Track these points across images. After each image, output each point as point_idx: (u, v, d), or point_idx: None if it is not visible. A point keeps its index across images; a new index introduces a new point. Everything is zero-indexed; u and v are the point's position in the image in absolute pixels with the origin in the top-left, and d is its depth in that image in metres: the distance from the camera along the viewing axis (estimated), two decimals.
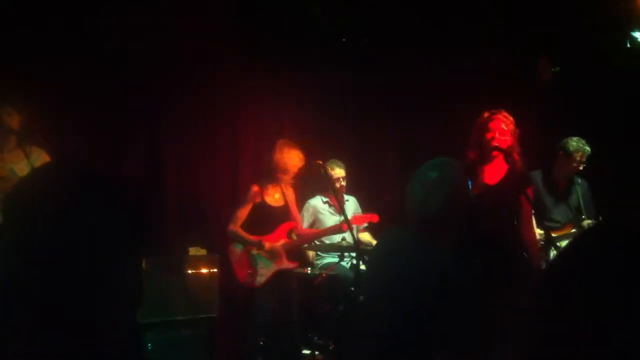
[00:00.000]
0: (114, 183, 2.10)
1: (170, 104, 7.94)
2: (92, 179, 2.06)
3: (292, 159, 6.75)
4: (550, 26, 7.52)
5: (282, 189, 6.88)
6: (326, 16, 7.45)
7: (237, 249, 6.74)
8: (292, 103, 8.75)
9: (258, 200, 6.74)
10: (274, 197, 6.84)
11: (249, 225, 6.77)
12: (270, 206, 6.78)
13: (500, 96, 7.07)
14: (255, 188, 6.76)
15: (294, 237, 6.93)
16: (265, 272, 6.64)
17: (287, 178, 6.81)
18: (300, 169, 6.81)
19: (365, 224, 7.68)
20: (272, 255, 6.67)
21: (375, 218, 7.04)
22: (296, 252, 7.19)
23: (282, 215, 6.84)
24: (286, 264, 6.78)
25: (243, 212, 6.74)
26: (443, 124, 8.02)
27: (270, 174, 6.80)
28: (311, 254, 7.50)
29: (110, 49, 7.21)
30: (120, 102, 7.46)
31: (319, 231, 7.18)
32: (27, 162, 5.75)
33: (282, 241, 6.77)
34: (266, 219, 6.76)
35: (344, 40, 7.98)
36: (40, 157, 5.96)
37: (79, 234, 1.94)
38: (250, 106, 8.52)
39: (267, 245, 6.64)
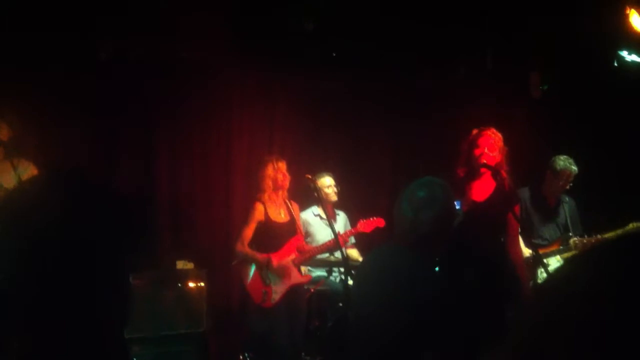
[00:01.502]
0: (102, 197, 2.09)
1: (163, 115, 7.99)
2: (80, 193, 2.05)
3: (283, 172, 6.81)
4: (540, 44, 7.55)
5: (286, 204, 6.92)
6: (320, 23, 7.45)
7: (249, 269, 6.71)
8: (284, 112, 8.77)
9: (262, 218, 6.73)
10: (279, 213, 6.84)
11: (257, 244, 6.76)
12: (275, 222, 6.78)
13: (495, 104, 7.11)
14: (258, 206, 6.75)
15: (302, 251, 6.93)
16: (279, 289, 6.63)
17: (284, 192, 6.87)
18: (289, 180, 6.87)
19: (354, 240, 7.72)
20: (282, 272, 6.66)
21: (382, 222, 7.05)
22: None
23: (288, 230, 6.85)
24: (299, 279, 6.80)
25: (249, 231, 6.73)
26: (438, 132, 8.07)
27: (265, 190, 6.80)
28: (303, 269, 7.48)
29: (102, 58, 7.24)
30: (112, 117, 7.55)
31: (317, 248, 7.09)
32: (14, 174, 5.75)
33: (292, 256, 6.78)
34: (273, 236, 6.76)
35: (334, 55, 7.99)
36: (28, 170, 5.95)
37: (66, 248, 1.93)
38: (243, 118, 8.52)
39: (275, 262, 6.63)
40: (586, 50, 7.38)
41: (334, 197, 7.52)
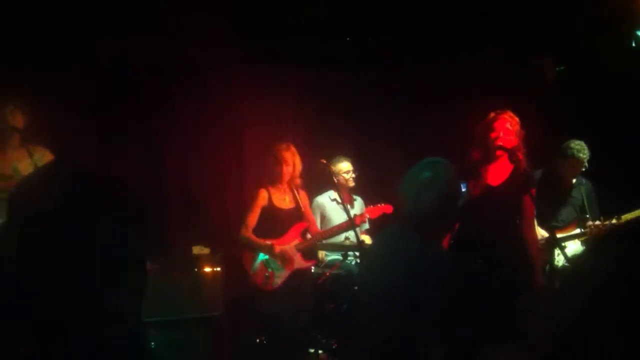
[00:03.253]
0: (117, 183, 2.08)
1: (175, 103, 7.96)
2: (95, 178, 2.04)
3: (292, 161, 6.79)
4: (554, 25, 7.59)
5: (292, 192, 6.89)
6: (328, 16, 7.49)
7: (256, 256, 6.69)
8: (295, 103, 8.83)
9: (266, 204, 6.73)
10: (283, 200, 6.83)
11: (261, 230, 6.74)
12: (280, 209, 6.77)
13: (504, 95, 7.14)
14: (262, 192, 6.75)
15: (308, 236, 6.92)
16: (281, 273, 6.63)
17: (293, 180, 6.85)
18: (300, 169, 6.87)
19: (367, 227, 7.69)
20: (284, 258, 6.64)
21: (389, 209, 7.06)
22: (312, 252, 7.16)
23: (293, 217, 6.82)
24: (302, 264, 6.76)
25: (253, 217, 6.71)
26: (447, 123, 8.11)
27: (273, 178, 6.80)
28: (321, 253, 7.49)
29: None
30: (124, 101, 7.47)
31: (332, 229, 7.09)
32: (30, 161, 5.67)
33: (295, 242, 6.74)
34: (277, 223, 6.74)
35: (347, 39, 8.02)
36: (44, 156, 5.90)
37: (82, 232, 1.91)
38: (254, 105, 8.52)
39: (277, 248, 6.61)
40: (601, 31, 7.40)
41: (351, 183, 7.57)
